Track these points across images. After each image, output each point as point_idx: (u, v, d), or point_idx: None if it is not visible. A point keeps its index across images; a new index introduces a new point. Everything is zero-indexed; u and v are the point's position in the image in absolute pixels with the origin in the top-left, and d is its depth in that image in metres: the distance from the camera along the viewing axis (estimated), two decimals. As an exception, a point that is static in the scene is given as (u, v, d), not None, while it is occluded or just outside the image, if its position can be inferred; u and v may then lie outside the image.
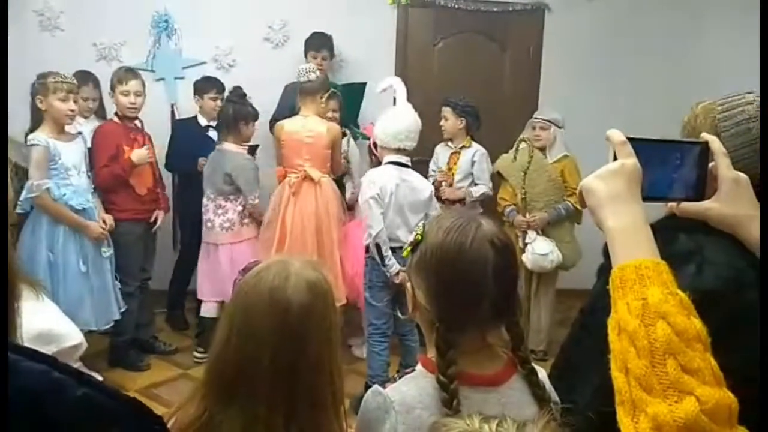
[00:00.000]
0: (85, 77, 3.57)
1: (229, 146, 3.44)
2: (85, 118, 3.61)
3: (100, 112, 3.71)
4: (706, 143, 0.85)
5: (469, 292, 0.98)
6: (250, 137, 3.56)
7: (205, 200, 3.49)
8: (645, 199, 0.78)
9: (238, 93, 3.48)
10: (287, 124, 3.39)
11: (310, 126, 3.35)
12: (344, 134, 3.73)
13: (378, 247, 2.86)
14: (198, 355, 3.46)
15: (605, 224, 0.76)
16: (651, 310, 0.67)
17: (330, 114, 3.58)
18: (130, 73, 3.36)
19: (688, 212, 0.86)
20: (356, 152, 3.90)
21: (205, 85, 3.91)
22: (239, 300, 1.03)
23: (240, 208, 3.44)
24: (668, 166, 0.84)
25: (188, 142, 3.80)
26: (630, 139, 0.79)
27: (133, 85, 3.28)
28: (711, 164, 0.85)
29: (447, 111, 3.73)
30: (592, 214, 0.79)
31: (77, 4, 4.11)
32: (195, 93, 3.93)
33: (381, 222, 2.87)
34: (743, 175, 0.85)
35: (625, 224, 0.75)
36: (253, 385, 0.98)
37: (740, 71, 3.57)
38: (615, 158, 0.79)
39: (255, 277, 1.04)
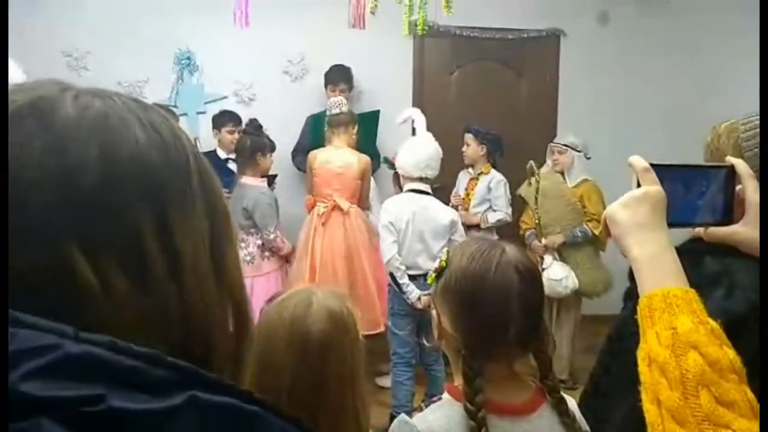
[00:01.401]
0: None
1: (247, 180, 3.48)
2: None
3: None
4: (731, 167, 0.84)
5: (495, 319, 0.97)
6: (268, 169, 3.61)
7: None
8: (671, 225, 0.77)
9: (254, 125, 3.54)
10: (320, 154, 3.49)
11: (342, 157, 3.45)
12: None
13: (392, 275, 2.86)
14: None
15: (631, 253, 0.75)
16: (681, 340, 0.65)
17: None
18: (176, 116, 3.57)
19: (716, 237, 0.84)
20: (372, 180, 3.91)
21: (223, 119, 3.99)
22: (261, 328, 1.03)
23: (260, 241, 3.47)
24: (693, 192, 0.83)
25: None
26: (653, 166, 0.79)
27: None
28: (738, 188, 0.84)
29: (469, 137, 3.76)
30: (617, 243, 0.78)
31: (103, 44, 4.24)
32: (213, 127, 4.02)
33: (392, 250, 2.88)
34: None
35: (651, 252, 0.73)
36: None
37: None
38: (638, 185, 0.78)
39: (278, 305, 1.04)
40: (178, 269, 0.42)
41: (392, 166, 3.70)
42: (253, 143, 3.46)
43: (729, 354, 0.65)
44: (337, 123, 3.49)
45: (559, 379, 3.68)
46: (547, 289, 3.47)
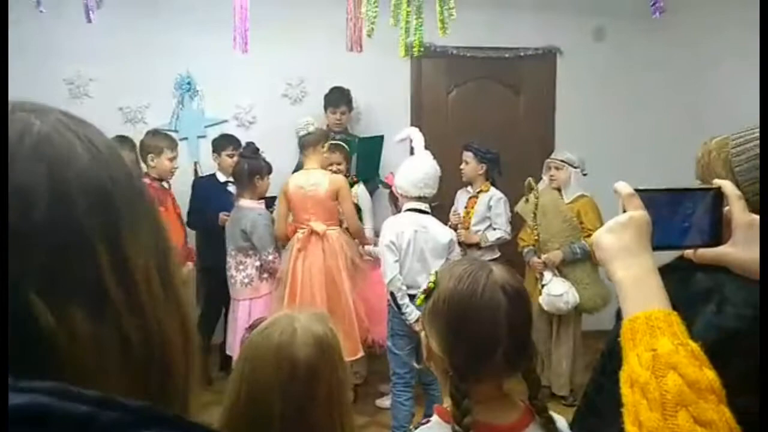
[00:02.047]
0: (122, 143, 3.72)
1: (245, 202, 3.49)
2: None
3: None
4: (718, 188, 0.84)
5: (482, 340, 0.97)
6: (266, 191, 3.62)
7: (228, 257, 3.55)
8: (657, 248, 0.79)
9: (251, 149, 3.56)
10: (292, 179, 3.44)
11: (313, 179, 3.39)
12: (353, 183, 3.76)
13: (392, 295, 2.85)
14: None
15: (615, 276, 0.77)
16: (661, 361, 0.66)
17: (335, 167, 3.62)
18: (176, 141, 3.58)
19: (706, 258, 0.85)
20: (367, 198, 3.91)
21: (222, 143, 4.04)
22: (248, 357, 1.03)
23: (258, 263, 3.47)
24: (680, 215, 0.84)
25: (208, 199, 3.89)
26: (638, 191, 0.80)
27: (177, 152, 3.52)
28: (726, 209, 0.84)
29: (468, 156, 3.79)
30: (604, 267, 0.80)
31: (105, 71, 4.30)
32: (213, 151, 4.05)
33: (394, 270, 2.88)
34: (758, 218, 0.83)
35: (634, 276, 0.75)
36: None
37: (756, 103, 3.57)
38: (624, 210, 0.80)
39: (261, 333, 1.04)
40: (133, 294, 0.41)
41: (386, 186, 3.72)
42: (251, 167, 3.48)
43: (708, 375, 0.66)
44: (306, 144, 3.44)
45: (559, 396, 3.66)
46: (547, 305, 3.51)
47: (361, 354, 3.29)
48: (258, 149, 3.57)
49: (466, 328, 0.97)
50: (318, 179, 3.39)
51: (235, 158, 3.87)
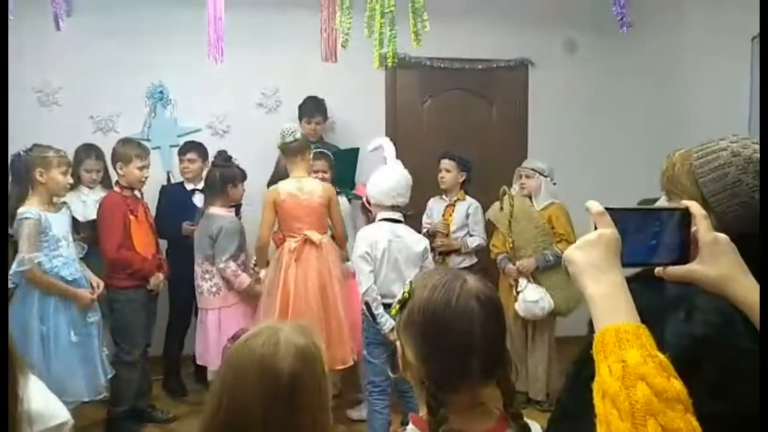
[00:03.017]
0: (88, 150, 3.66)
1: (215, 210, 3.43)
2: (90, 188, 3.66)
3: (105, 182, 3.73)
4: (686, 209, 0.88)
5: (457, 349, 0.98)
6: (240, 198, 3.60)
7: (195, 266, 3.47)
8: (627, 265, 0.81)
9: (223, 157, 3.52)
10: (283, 187, 3.33)
11: (307, 187, 3.32)
12: (337, 192, 3.72)
13: (367, 305, 2.86)
14: None
15: (586, 292, 0.79)
16: (631, 372, 0.68)
17: (320, 175, 3.60)
18: (147, 150, 3.46)
19: (674, 276, 0.88)
20: (347, 207, 3.90)
21: (185, 148, 4.02)
22: (230, 367, 1.03)
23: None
24: (649, 233, 0.87)
25: (175, 208, 3.85)
26: (608, 209, 0.83)
27: (148, 161, 3.41)
28: (693, 229, 0.88)
29: (450, 164, 3.83)
30: (575, 282, 0.82)
31: (74, 79, 4.23)
32: (179, 160, 4.01)
33: (369, 280, 2.88)
34: (722, 236, 0.87)
35: (604, 291, 0.77)
36: None
37: (722, 115, 3.69)
38: (595, 228, 0.82)
39: (244, 344, 1.04)
40: None
41: (357, 197, 3.70)
42: (223, 175, 3.45)
43: (676, 385, 0.68)
44: (293, 151, 3.34)
45: (536, 401, 3.69)
46: (523, 312, 3.55)
47: (351, 363, 3.24)
48: (230, 157, 3.54)
49: (441, 338, 0.97)
50: (312, 187, 3.32)
51: (198, 164, 3.87)
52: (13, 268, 2.86)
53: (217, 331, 3.34)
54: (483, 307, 0.99)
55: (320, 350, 1.06)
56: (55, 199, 3.08)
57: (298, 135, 3.36)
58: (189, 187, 3.97)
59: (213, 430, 1.00)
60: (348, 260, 3.55)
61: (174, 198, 3.95)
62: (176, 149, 4.33)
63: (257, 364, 1.00)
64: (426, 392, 0.97)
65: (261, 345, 1.02)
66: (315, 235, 3.28)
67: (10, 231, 3.01)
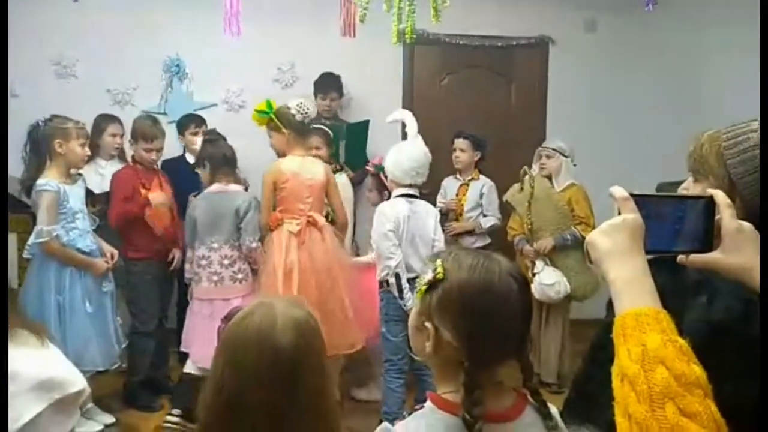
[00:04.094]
0: (111, 118, 3.69)
1: (231, 186, 3.18)
2: (112, 157, 3.67)
3: (121, 155, 3.74)
4: (711, 197, 0.87)
5: (500, 329, 0.98)
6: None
7: (200, 250, 3.13)
8: (650, 252, 0.81)
9: (215, 133, 3.41)
10: (285, 165, 3.14)
11: (310, 167, 3.17)
12: (335, 171, 3.61)
13: (398, 277, 2.86)
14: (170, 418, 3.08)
15: (608, 276, 0.79)
16: (650, 356, 0.69)
17: (314, 152, 3.45)
18: (158, 130, 3.38)
19: (696, 264, 0.88)
20: (349, 188, 3.79)
21: (185, 122, 3.96)
22: (228, 346, 1.02)
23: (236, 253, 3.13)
24: (672, 220, 0.86)
25: (177, 181, 3.65)
26: (633, 195, 0.83)
27: (157, 144, 3.37)
28: (717, 217, 0.87)
29: (464, 144, 3.79)
30: (597, 268, 0.82)
31: (92, 52, 4.23)
32: (178, 132, 3.94)
33: (397, 254, 2.88)
34: (747, 224, 0.86)
35: (626, 275, 0.77)
36: (250, 428, 0.97)
37: (748, 96, 3.59)
38: (619, 213, 0.82)
39: (240, 322, 1.03)
40: None
41: (377, 167, 3.45)
42: (231, 150, 3.24)
43: (696, 370, 0.68)
44: (300, 130, 3.20)
45: (545, 383, 3.69)
46: (539, 294, 3.54)
47: (359, 347, 3.15)
48: (220, 134, 3.41)
49: (485, 319, 0.97)
50: (315, 168, 3.18)
51: (200, 136, 3.70)
52: (31, 239, 2.90)
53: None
54: (520, 287, 1.00)
55: (318, 323, 1.05)
56: (72, 171, 3.09)
57: (310, 110, 3.25)
58: (191, 160, 3.82)
59: (216, 410, 0.99)
60: (353, 242, 3.50)
61: (176, 172, 3.76)
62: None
63: (255, 340, 0.99)
64: (464, 373, 0.96)
65: (258, 321, 1.01)
66: (320, 218, 3.16)
67: (28, 201, 3.05)
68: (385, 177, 3.15)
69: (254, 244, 3.11)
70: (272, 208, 3.16)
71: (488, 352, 0.98)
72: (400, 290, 2.87)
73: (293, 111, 3.20)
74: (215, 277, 3.12)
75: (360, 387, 3.58)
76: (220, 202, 3.14)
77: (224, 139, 3.35)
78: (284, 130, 3.19)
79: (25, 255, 2.95)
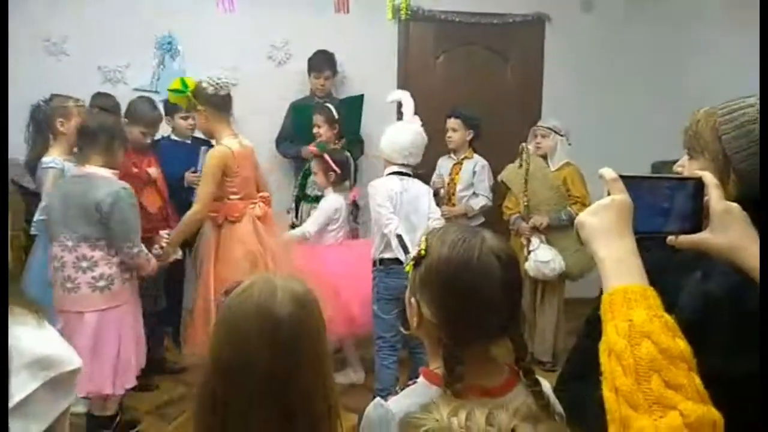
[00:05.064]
0: (107, 96, 3.63)
1: (98, 170, 2.53)
2: None
3: None
4: (700, 178, 0.89)
5: (477, 307, 0.98)
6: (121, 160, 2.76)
7: (55, 249, 2.51)
8: (638, 233, 0.82)
9: (112, 101, 3.32)
10: (231, 144, 2.86)
11: (248, 146, 3.00)
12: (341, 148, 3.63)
13: (400, 237, 2.86)
14: None
15: (597, 255, 0.80)
16: (636, 330, 0.70)
17: (316, 129, 3.59)
18: (158, 116, 3.40)
19: (684, 245, 0.89)
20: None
21: (175, 105, 3.75)
22: (227, 320, 1.02)
23: (116, 259, 2.53)
24: (661, 201, 0.88)
25: (170, 158, 3.61)
26: (622, 177, 0.84)
27: (156, 129, 3.40)
28: (706, 198, 0.88)
29: (456, 123, 3.76)
30: (586, 247, 0.83)
31: (82, 29, 4.17)
32: (166, 113, 3.68)
33: (394, 219, 2.89)
34: (734, 205, 0.87)
35: (615, 255, 0.79)
36: (249, 402, 0.98)
37: (741, 75, 3.57)
38: (609, 194, 0.83)
39: (240, 296, 1.02)
40: None
41: (321, 146, 3.44)
42: (111, 123, 2.72)
43: (680, 344, 0.70)
44: (227, 106, 2.93)
45: (539, 361, 3.72)
46: (534, 271, 3.55)
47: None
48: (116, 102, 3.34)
49: (462, 296, 0.97)
50: (250, 146, 3.01)
51: (190, 120, 3.54)
52: (37, 215, 2.90)
53: (92, 345, 2.43)
54: (503, 265, 0.99)
55: (317, 297, 1.05)
56: (74, 149, 3.09)
57: (226, 83, 2.89)
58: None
59: (215, 384, 0.99)
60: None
61: (168, 150, 3.68)
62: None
63: (255, 313, 0.99)
64: (443, 349, 0.96)
65: (257, 294, 1.01)
66: (270, 201, 3.08)
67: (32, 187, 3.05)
68: (330, 158, 3.24)
69: (135, 250, 2.53)
70: (214, 195, 2.86)
71: (469, 329, 0.98)
72: (405, 250, 2.85)
73: (204, 84, 2.85)
74: (69, 284, 2.47)
75: (337, 372, 3.55)
76: (75, 189, 2.51)
77: (116, 111, 3.21)
78: (199, 107, 2.87)
79: (32, 232, 2.97)
